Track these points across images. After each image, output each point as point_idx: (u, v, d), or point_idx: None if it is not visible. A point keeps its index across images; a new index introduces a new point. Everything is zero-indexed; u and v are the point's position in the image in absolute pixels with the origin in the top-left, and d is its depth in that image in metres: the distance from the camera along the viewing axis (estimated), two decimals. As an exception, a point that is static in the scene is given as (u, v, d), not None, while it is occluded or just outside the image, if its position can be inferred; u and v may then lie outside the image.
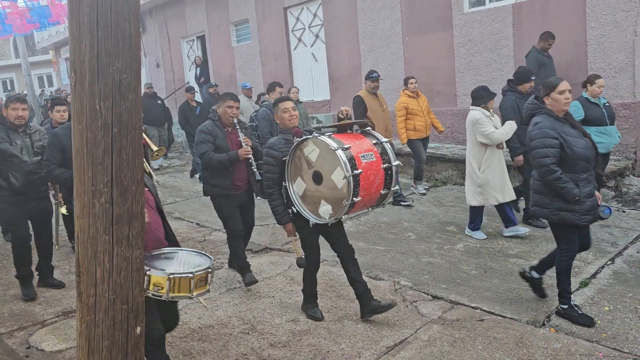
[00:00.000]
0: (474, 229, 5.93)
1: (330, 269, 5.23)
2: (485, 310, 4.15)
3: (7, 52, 32.00)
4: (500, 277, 4.76)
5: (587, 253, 5.13)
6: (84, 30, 2.12)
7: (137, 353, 2.37)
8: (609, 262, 4.91)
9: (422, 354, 3.58)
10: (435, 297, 4.46)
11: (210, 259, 2.97)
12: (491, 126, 5.51)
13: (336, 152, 3.45)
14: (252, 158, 4.70)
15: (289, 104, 4.07)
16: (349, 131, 3.90)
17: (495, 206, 5.76)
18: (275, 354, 3.69)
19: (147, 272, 2.70)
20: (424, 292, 4.57)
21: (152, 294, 2.72)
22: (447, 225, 6.42)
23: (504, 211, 5.77)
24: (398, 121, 7.62)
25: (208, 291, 2.92)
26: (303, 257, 4.09)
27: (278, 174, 3.91)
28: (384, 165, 3.68)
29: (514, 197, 5.77)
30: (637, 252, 5.11)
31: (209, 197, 4.93)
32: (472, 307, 4.22)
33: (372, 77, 7.48)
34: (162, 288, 2.68)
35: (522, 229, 5.75)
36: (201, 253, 3.08)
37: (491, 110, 5.66)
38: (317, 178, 3.66)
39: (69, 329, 4.21)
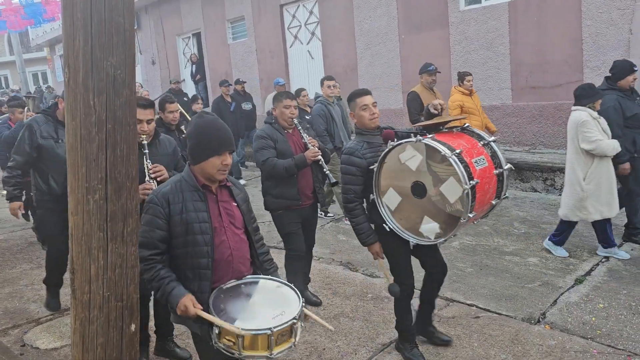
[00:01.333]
0: (558, 243, 5.14)
1: (327, 267, 5.23)
2: (480, 308, 4.15)
3: (2, 49, 31.82)
4: (495, 275, 4.76)
5: (582, 250, 5.16)
6: (78, 25, 2.11)
7: (132, 350, 2.36)
8: (603, 260, 4.92)
9: (418, 351, 3.58)
10: (431, 295, 4.46)
11: (299, 297, 2.38)
12: (597, 132, 4.69)
13: (450, 159, 2.81)
14: (322, 160, 4.09)
15: (368, 99, 3.35)
16: (441, 129, 3.24)
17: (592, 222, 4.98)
18: (271, 352, 3.68)
19: (217, 321, 2.20)
20: (420, 290, 4.56)
21: (224, 349, 2.22)
22: (443, 223, 6.41)
23: (604, 228, 4.98)
24: None
25: (293, 345, 2.31)
26: (396, 284, 3.43)
27: (362, 185, 3.28)
28: (496, 171, 3.05)
29: (618, 211, 4.95)
30: (632, 250, 5.12)
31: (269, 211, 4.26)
32: (468, 305, 4.22)
33: (430, 70, 6.66)
34: (234, 344, 2.18)
35: (623, 253, 4.97)
36: (289, 286, 2.48)
37: (597, 112, 4.83)
38: (419, 190, 3.01)
39: (64, 327, 4.19)
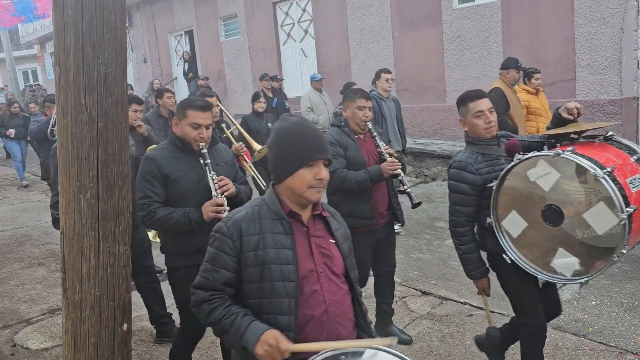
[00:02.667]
0: None
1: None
2: (474, 306, 4.16)
3: (-8, 47, 31.51)
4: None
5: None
6: (69, 22, 2.08)
7: (124, 350, 2.35)
8: (595, 257, 4.96)
9: (411, 349, 3.58)
10: (424, 293, 4.47)
11: None
12: None
13: (602, 179, 2.23)
14: (402, 175, 3.47)
15: (483, 104, 2.74)
16: (577, 139, 2.64)
17: None
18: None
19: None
20: (413, 288, 4.58)
21: None
22: (436, 221, 6.43)
23: None
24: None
25: None
26: (496, 327, 2.96)
27: (474, 206, 2.73)
28: None
29: None
30: (624, 247, 5.16)
31: None
32: (461, 303, 4.23)
33: (519, 66, 5.99)
34: None
35: None
36: None
37: None
38: (553, 215, 2.43)
39: (55, 327, 4.16)
